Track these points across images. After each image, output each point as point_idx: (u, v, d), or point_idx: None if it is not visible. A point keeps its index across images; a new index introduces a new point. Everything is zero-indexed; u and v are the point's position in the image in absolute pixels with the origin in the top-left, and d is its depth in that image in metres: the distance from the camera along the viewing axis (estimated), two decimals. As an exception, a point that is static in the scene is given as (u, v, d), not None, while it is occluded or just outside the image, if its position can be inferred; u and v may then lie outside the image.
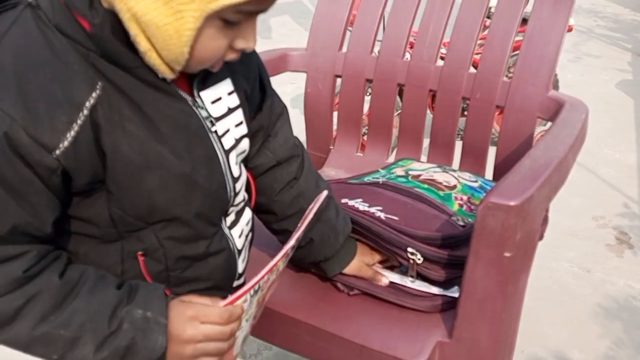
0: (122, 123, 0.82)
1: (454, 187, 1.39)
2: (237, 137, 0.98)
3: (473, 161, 1.65)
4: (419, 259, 1.17)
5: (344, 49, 1.80)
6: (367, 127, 1.84)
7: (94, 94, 0.79)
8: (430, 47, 1.69)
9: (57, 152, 0.77)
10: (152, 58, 0.79)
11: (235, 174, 0.98)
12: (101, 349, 0.80)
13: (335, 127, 1.87)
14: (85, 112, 0.78)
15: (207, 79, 0.92)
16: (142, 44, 0.77)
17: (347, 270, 1.23)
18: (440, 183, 1.39)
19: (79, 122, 0.78)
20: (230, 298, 0.86)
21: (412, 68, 1.70)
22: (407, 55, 1.74)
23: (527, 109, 1.55)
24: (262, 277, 0.88)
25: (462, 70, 1.64)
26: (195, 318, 0.84)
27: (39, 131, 0.75)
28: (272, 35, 5.62)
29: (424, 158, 1.75)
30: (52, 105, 0.76)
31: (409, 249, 1.17)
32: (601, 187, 3.06)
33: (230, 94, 0.97)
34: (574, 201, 2.84)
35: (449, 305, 1.20)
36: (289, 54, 1.79)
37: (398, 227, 1.20)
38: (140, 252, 0.91)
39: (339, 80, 1.81)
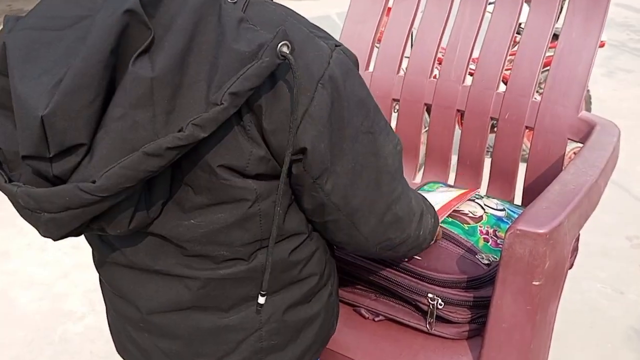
0: None
1: (480, 218, 1.36)
2: None
3: (501, 183, 1.62)
4: (440, 304, 1.15)
5: (371, 68, 1.79)
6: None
7: None
8: (458, 66, 1.67)
9: None
10: None
11: None
12: (432, 217, 1.12)
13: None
14: None
15: None
16: None
17: None
18: (466, 214, 1.37)
19: None
20: None
21: (439, 88, 1.68)
22: (436, 72, 1.72)
23: (557, 131, 1.52)
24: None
25: (490, 91, 1.62)
26: None
27: None
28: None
29: (452, 177, 1.73)
30: None
31: (429, 295, 1.16)
32: (635, 205, 3.00)
33: None
34: (606, 219, 2.78)
35: (476, 332, 1.18)
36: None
37: (418, 271, 1.18)
38: None
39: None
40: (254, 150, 0.81)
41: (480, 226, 1.35)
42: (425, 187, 1.59)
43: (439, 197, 1.41)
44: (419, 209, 1.06)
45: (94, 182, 0.71)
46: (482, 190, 1.66)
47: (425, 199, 1.13)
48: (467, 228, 1.33)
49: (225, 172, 0.82)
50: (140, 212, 0.81)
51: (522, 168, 1.59)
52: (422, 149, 1.83)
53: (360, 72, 1.79)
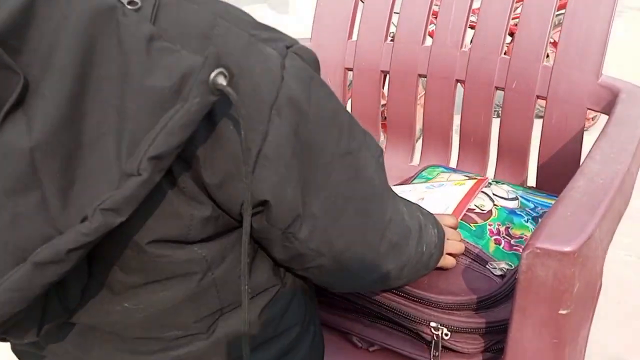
0: None
1: (489, 214, 1.15)
2: None
3: (511, 164, 1.40)
4: (446, 334, 0.94)
5: (354, 37, 1.55)
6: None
7: None
8: (455, 29, 1.43)
9: None
10: None
11: None
12: (434, 227, 0.91)
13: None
14: None
15: None
16: None
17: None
18: (472, 211, 1.15)
19: None
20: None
21: (434, 56, 1.45)
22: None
23: (574, 100, 1.30)
24: None
25: (493, 56, 1.39)
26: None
27: None
28: (285, 18, 5.35)
29: (454, 157, 1.51)
30: None
31: (432, 324, 0.95)
32: (656, 159, 2.77)
33: None
34: (626, 178, 2.56)
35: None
36: (291, 48, 1.55)
37: (417, 294, 0.97)
38: None
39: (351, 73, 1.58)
40: (195, 212, 0.61)
41: (489, 224, 1.14)
42: (424, 172, 1.38)
43: (446, 197, 1.19)
44: (415, 223, 0.86)
45: None
46: (490, 172, 1.44)
47: (419, 206, 0.93)
48: (474, 229, 1.12)
49: (159, 247, 0.61)
50: (52, 316, 0.60)
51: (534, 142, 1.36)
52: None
53: (341, 42, 1.57)
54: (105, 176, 0.53)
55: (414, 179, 1.35)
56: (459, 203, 1.17)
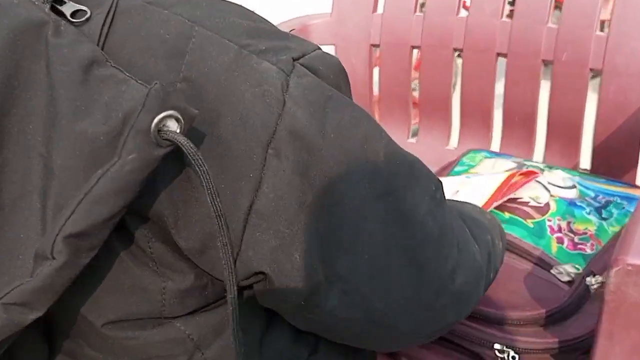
0: None
1: (547, 208, 1.02)
2: None
3: (563, 145, 1.26)
4: (512, 357, 0.82)
5: (380, 10, 1.41)
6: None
7: None
8: (494, -4, 1.29)
9: None
10: None
11: None
12: (499, 239, 0.77)
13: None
14: None
15: None
16: None
17: None
18: (526, 204, 1.02)
19: None
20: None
21: (471, 27, 1.31)
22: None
23: (634, 72, 1.15)
24: None
25: (539, 25, 1.24)
26: None
27: None
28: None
29: (496, 141, 1.38)
30: None
31: (497, 346, 0.83)
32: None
33: None
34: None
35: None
36: (310, 24, 1.41)
37: (477, 310, 0.85)
38: None
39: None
40: (168, 284, 0.48)
41: (548, 220, 1.01)
42: (465, 159, 1.25)
43: (481, 188, 1.05)
44: (485, 254, 0.69)
45: None
46: (538, 154, 1.31)
47: (485, 214, 0.80)
48: (532, 226, 0.99)
49: (122, 329, 0.48)
50: None
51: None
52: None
53: (366, 16, 1.42)
54: (28, 251, 0.40)
55: (455, 166, 1.22)
56: (491, 196, 1.02)
